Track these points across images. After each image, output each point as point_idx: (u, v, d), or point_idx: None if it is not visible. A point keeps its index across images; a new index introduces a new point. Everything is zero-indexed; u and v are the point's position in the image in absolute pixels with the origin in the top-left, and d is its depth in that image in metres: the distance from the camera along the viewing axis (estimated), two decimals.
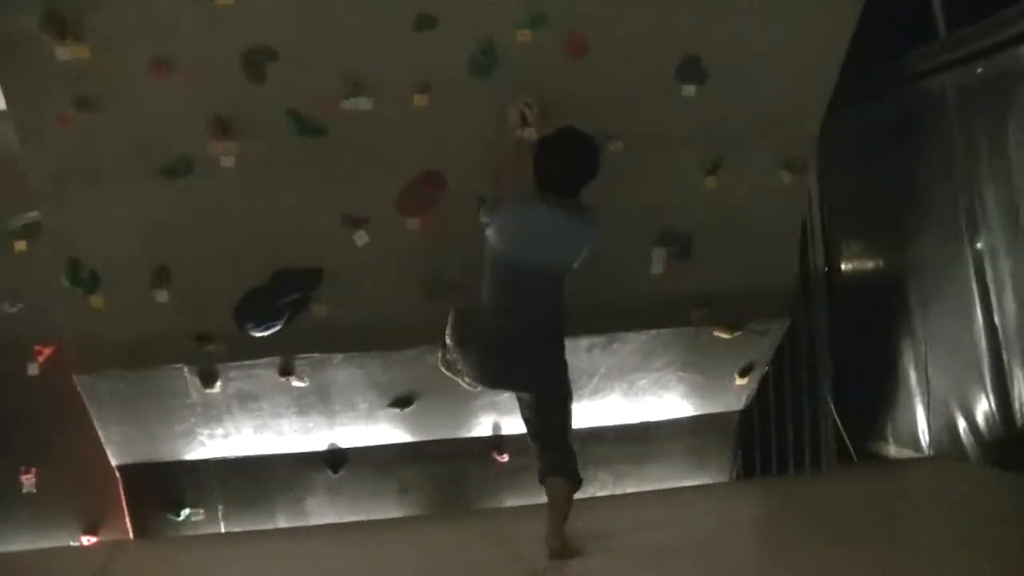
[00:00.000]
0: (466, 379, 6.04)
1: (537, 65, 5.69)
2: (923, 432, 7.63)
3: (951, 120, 6.99)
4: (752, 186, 6.37)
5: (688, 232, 6.41)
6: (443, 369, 6.25)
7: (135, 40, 5.45)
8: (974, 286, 6.88)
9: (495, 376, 5.73)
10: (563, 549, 5.42)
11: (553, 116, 5.71)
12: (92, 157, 5.74)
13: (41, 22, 5.24)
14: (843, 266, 8.43)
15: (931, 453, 7.56)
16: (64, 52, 5.37)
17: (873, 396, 8.15)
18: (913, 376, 7.69)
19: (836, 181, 7.95)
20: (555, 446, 5.57)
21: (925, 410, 7.59)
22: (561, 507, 5.50)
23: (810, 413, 8.06)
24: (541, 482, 5.56)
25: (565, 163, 5.29)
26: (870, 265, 8.22)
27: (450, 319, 5.83)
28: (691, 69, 5.93)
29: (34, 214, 6.30)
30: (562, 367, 5.64)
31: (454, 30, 5.57)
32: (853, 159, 7.89)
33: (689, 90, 5.97)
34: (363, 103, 5.65)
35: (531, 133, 5.63)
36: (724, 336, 6.85)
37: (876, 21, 6.14)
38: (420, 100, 5.73)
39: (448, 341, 5.91)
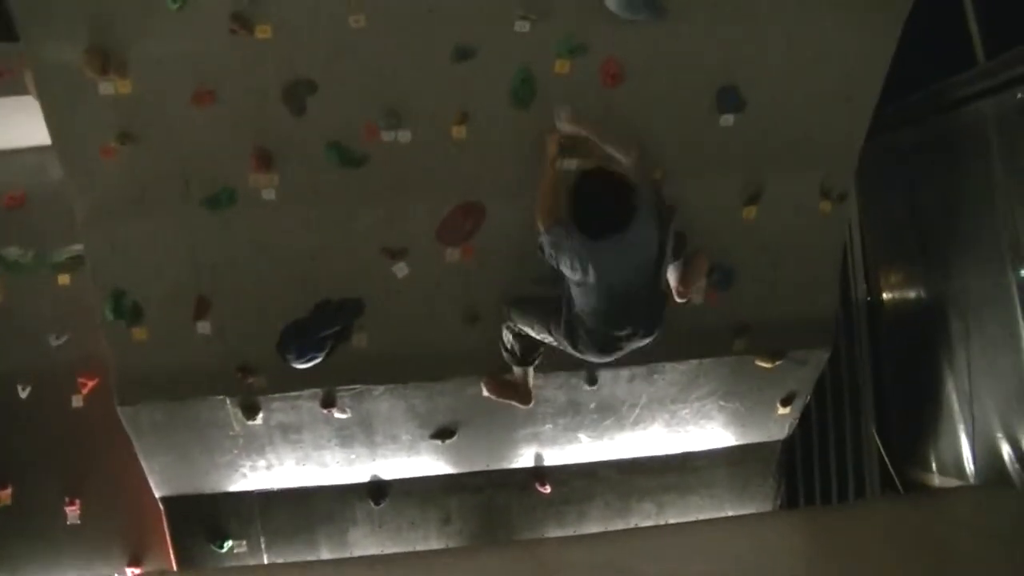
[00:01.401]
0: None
1: (575, 95, 5.68)
2: (968, 460, 7.55)
3: (991, 147, 6.93)
4: (792, 215, 6.34)
5: (728, 261, 6.38)
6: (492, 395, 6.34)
7: (176, 73, 5.50)
8: (1018, 313, 6.82)
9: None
10: None
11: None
12: (134, 189, 5.78)
13: (85, 57, 5.31)
14: (885, 294, 8.38)
15: (976, 482, 7.48)
16: (107, 87, 5.44)
17: (917, 424, 8.07)
18: (957, 404, 7.61)
19: (877, 208, 7.93)
20: None
21: (969, 438, 7.51)
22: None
23: (853, 442, 8.01)
24: None
25: (596, 214, 5.28)
26: (912, 293, 8.16)
27: (518, 315, 5.92)
28: (729, 98, 5.90)
29: (78, 247, 6.37)
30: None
31: (492, 61, 5.60)
32: (893, 186, 7.85)
33: (728, 119, 5.95)
34: (402, 135, 5.67)
35: (571, 163, 5.64)
36: (765, 365, 6.81)
37: (914, 48, 6.11)
38: (459, 131, 5.75)
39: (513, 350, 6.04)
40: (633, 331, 5.58)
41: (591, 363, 6.08)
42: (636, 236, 5.31)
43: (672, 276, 5.95)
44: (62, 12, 5.25)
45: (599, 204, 5.25)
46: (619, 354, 5.74)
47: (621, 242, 5.28)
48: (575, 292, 5.50)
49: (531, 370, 6.28)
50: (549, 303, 5.69)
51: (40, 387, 7.14)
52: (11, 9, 5.29)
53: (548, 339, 5.83)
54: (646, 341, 5.70)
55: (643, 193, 5.39)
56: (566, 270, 5.40)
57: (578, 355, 5.76)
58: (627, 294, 5.41)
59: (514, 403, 6.47)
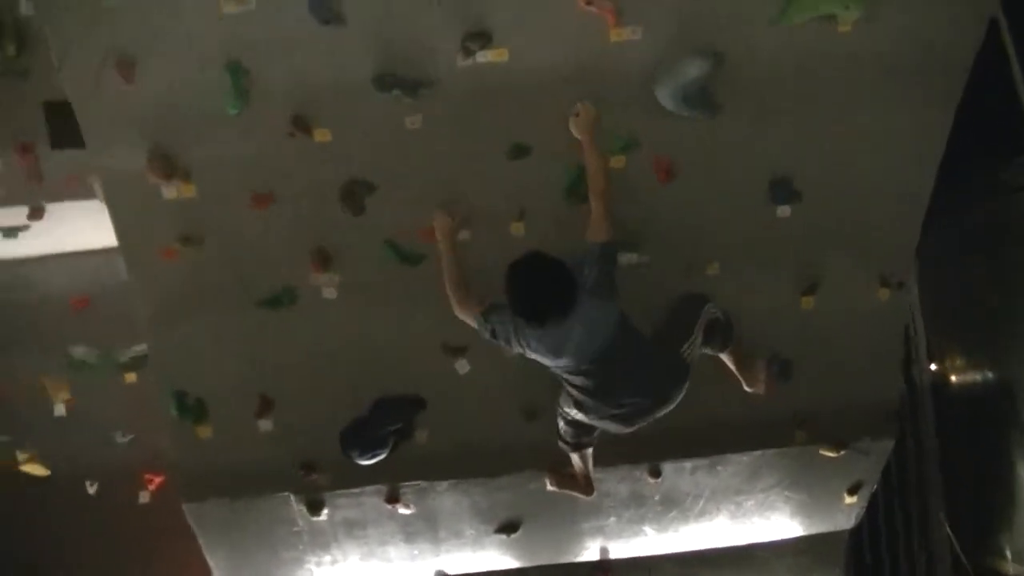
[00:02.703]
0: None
1: (630, 191, 5.69)
2: None
3: None
4: (850, 304, 6.29)
5: (786, 353, 6.35)
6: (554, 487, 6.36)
7: (236, 176, 5.61)
8: None
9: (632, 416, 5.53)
10: None
11: (647, 243, 5.83)
12: (196, 289, 5.88)
13: (148, 162, 5.44)
14: (949, 378, 8.31)
15: None
16: (170, 191, 5.57)
17: (988, 511, 7.97)
18: None
19: (937, 292, 7.88)
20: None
21: None
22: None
23: (922, 529, 7.91)
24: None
25: (538, 301, 4.97)
26: (977, 377, 8.09)
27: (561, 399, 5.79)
28: (782, 190, 5.90)
29: (142, 346, 6.47)
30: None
31: (547, 157, 5.64)
32: (952, 269, 7.82)
33: (784, 211, 5.94)
34: (461, 233, 5.71)
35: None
36: (830, 454, 6.74)
37: (966, 132, 6.10)
38: (517, 227, 5.80)
39: (566, 439, 5.98)
40: (642, 400, 5.41)
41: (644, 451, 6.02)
42: (588, 310, 5.06)
43: (731, 364, 5.93)
44: (125, 120, 5.38)
45: (537, 290, 4.96)
46: (643, 423, 5.54)
47: (572, 322, 5.03)
48: (557, 373, 5.42)
49: (590, 459, 6.19)
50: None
51: (108, 484, 7.22)
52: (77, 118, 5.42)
53: (581, 417, 5.66)
54: (668, 407, 5.49)
55: (580, 267, 5.11)
56: (530, 354, 5.30)
57: (605, 428, 5.66)
58: (605, 365, 5.21)
59: (577, 494, 6.43)
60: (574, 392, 5.42)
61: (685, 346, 5.52)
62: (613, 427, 5.58)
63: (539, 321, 4.98)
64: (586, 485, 6.38)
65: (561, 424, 5.93)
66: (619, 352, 5.21)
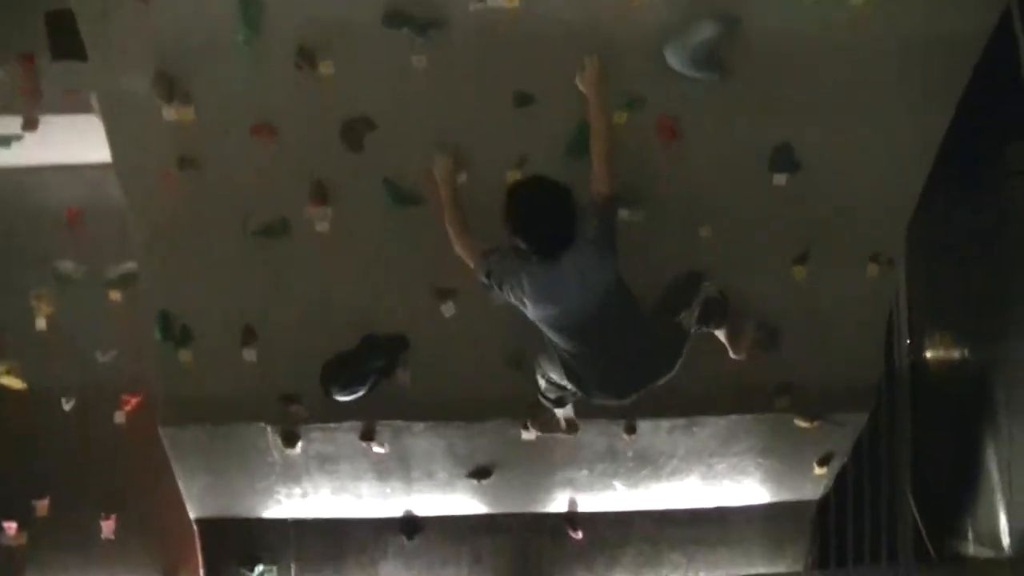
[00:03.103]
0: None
1: (630, 148, 5.67)
2: (1004, 532, 7.51)
3: None
4: (840, 277, 6.33)
5: (774, 320, 6.36)
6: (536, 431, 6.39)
7: (238, 104, 5.61)
8: None
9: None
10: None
11: (643, 201, 5.85)
12: (191, 214, 5.88)
13: (152, 83, 5.42)
14: (928, 360, 8.34)
15: (1011, 554, 7.43)
16: (171, 112, 5.55)
17: (954, 492, 8.03)
18: (996, 474, 7.57)
19: (924, 273, 7.90)
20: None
21: (1006, 510, 7.47)
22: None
23: (888, 505, 7.97)
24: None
25: (538, 226, 5.01)
26: (956, 360, 8.12)
27: (540, 360, 5.75)
28: (784, 158, 5.92)
29: (131, 265, 6.48)
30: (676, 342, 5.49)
31: (551, 109, 5.64)
32: (942, 252, 7.83)
33: (780, 179, 5.96)
34: (459, 176, 5.69)
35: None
36: (805, 425, 6.78)
37: (971, 116, 6.11)
38: (515, 175, 5.76)
39: (547, 395, 5.97)
40: (635, 374, 5.40)
41: (623, 407, 5.93)
42: (585, 257, 5.03)
43: (721, 335, 5.94)
44: (130, 39, 5.36)
45: (541, 211, 5.00)
46: (636, 395, 5.50)
47: (567, 266, 5.02)
48: (545, 330, 5.35)
49: (569, 407, 6.20)
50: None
51: (84, 401, 7.28)
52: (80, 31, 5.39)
53: (565, 383, 5.59)
54: (661, 380, 5.47)
55: (585, 208, 5.11)
56: (520, 304, 5.26)
57: (593, 399, 5.58)
58: (598, 328, 5.16)
59: (561, 435, 6.44)
60: (566, 358, 5.36)
61: (682, 316, 5.52)
62: (601, 398, 5.54)
63: (538, 243, 5.01)
64: (569, 425, 6.38)
65: (542, 383, 5.92)
66: (614, 321, 5.19)
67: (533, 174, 5.25)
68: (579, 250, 5.02)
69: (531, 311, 5.23)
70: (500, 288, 5.27)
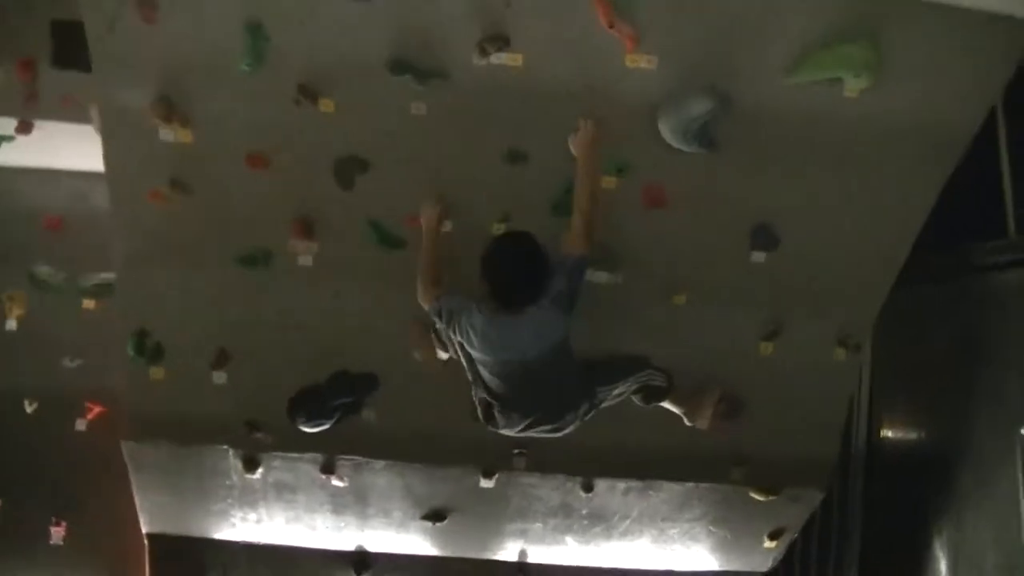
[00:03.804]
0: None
1: (615, 211, 5.77)
2: None
3: (1011, 315, 7.01)
4: (806, 357, 6.41)
5: (738, 393, 6.43)
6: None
7: (236, 132, 5.64)
8: (1020, 477, 6.86)
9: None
10: None
11: (622, 264, 5.91)
12: (175, 235, 5.90)
13: (153, 103, 5.46)
14: (886, 443, 8.41)
15: None
16: (168, 134, 5.59)
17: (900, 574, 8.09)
18: (944, 564, 7.63)
19: (889, 357, 7.98)
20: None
21: None
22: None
23: None
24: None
25: (508, 280, 5.15)
26: (913, 444, 8.19)
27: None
28: (763, 236, 6.01)
29: (108, 275, 6.50)
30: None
31: (542, 168, 5.71)
32: (909, 338, 7.92)
33: (759, 256, 6.05)
34: (444, 224, 5.76)
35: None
36: (759, 498, 6.85)
37: (946, 208, 6.20)
38: (498, 229, 5.82)
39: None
40: (537, 419, 5.49)
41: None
42: (544, 314, 5.16)
43: (675, 408, 6.04)
44: (137, 58, 5.40)
45: (516, 269, 5.14)
46: (525, 434, 5.61)
47: (525, 319, 5.15)
48: (478, 366, 5.45)
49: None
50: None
51: (46, 406, 7.31)
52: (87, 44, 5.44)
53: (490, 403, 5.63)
54: (555, 431, 5.59)
55: (555, 266, 5.21)
56: (463, 341, 5.32)
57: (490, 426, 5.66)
58: (527, 376, 5.29)
59: (428, 356, 6.20)
60: (485, 393, 5.49)
61: (603, 389, 5.64)
62: (502, 429, 5.62)
63: (506, 296, 5.15)
64: (430, 356, 6.20)
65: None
66: (545, 372, 5.30)
67: (518, 230, 5.35)
68: (541, 307, 5.14)
69: (475, 351, 5.31)
70: (448, 325, 5.34)
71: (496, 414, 5.52)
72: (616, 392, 5.71)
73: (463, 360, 5.49)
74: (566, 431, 5.60)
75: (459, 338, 5.33)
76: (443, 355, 6.01)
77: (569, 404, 5.52)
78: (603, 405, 5.68)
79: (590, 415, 5.62)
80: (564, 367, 5.40)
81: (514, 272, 5.14)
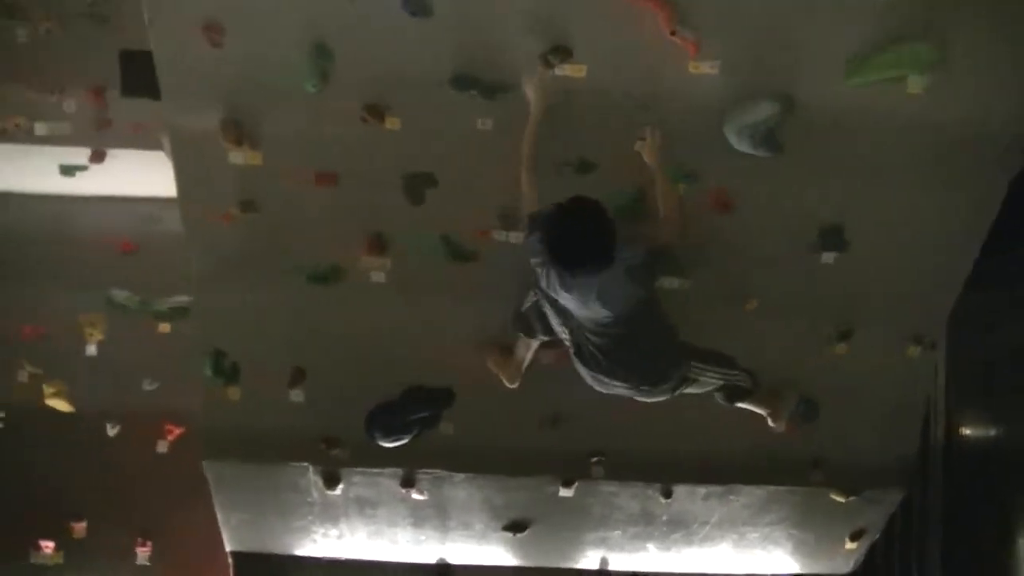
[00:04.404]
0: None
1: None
2: None
3: None
4: (880, 357, 6.40)
5: (813, 396, 6.41)
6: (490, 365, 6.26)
7: (304, 150, 5.70)
8: None
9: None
10: None
11: (692, 270, 5.97)
12: (248, 255, 5.98)
13: (220, 127, 5.54)
14: (963, 441, 8.33)
15: None
16: (238, 156, 5.65)
17: (984, 574, 8.01)
18: None
19: (963, 355, 7.91)
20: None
21: None
22: None
23: None
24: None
25: (575, 247, 4.85)
26: (992, 442, 8.12)
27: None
28: (833, 237, 5.99)
29: (183, 299, 6.60)
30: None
31: (611, 177, 5.70)
32: (987, 337, 7.84)
33: (829, 257, 6.03)
34: (513, 236, 5.79)
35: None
36: (839, 499, 6.82)
37: (1018, 205, 6.15)
38: None
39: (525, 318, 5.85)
40: (627, 380, 5.47)
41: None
42: (611, 286, 5.03)
43: (758, 408, 6.03)
44: (205, 83, 5.48)
45: (578, 234, 4.84)
46: (612, 391, 5.59)
47: (595, 287, 5.03)
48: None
49: (532, 352, 6.06)
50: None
51: (128, 428, 7.37)
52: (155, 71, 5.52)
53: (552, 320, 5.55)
54: (646, 394, 5.57)
55: (629, 246, 5.04)
56: (545, 286, 5.27)
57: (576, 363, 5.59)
58: (620, 338, 5.28)
59: (504, 379, 6.20)
60: (589, 346, 5.41)
61: (697, 367, 5.63)
62: (590, 377, 5.58)
63: (568, 267, 4.93)
64: (515, 374, 6.18)
65: (525, 306, 5.79)
66: (633, 329, 5.26)
67: (584, 197, 4.98)
68: (614, 276, 4.99)
69: (559, 296, 5.23)
70: (534, 254, 5.19)
71: (591, 362, 5.46)
72: (707, 375, 5.68)
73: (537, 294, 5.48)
74: (655, 399, 5.60)
75: (540, 274, 5.25)
76: (515, 360, 6.09)
77: (667, 372, 5.51)
78: (688, 390, 5.67)
79: (678, 391, 5.60)
80: (656, 332, 5.42)
81: (578, 246, 4.86)
